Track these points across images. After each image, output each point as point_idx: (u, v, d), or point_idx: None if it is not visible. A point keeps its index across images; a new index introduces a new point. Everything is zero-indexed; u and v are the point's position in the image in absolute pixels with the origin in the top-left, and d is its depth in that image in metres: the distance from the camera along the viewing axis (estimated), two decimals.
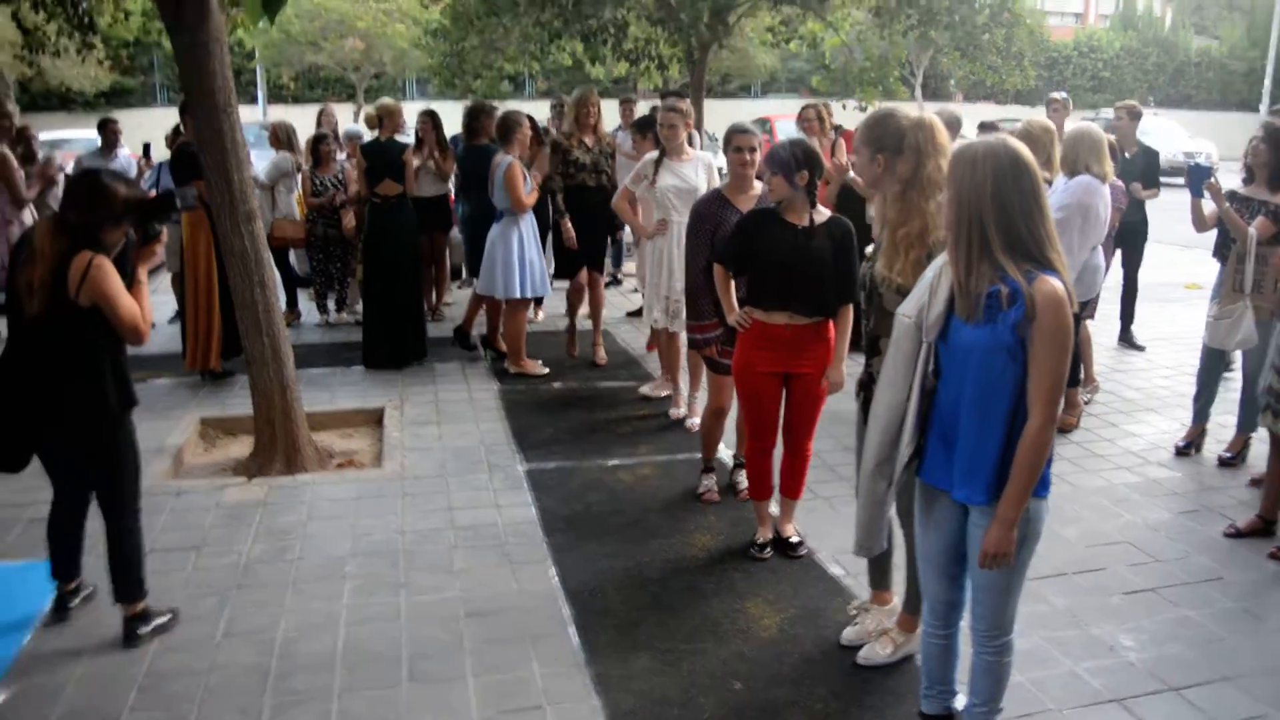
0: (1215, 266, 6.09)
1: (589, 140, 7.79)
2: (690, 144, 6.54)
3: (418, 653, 3.89)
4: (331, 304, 9.62)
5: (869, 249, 3.75)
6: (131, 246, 4.00)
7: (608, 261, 9.16)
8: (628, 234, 9.26)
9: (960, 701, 3.29)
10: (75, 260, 3.67)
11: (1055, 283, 2.66)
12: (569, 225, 7.70)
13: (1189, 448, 6.10)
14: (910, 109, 4.01)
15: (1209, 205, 5.95)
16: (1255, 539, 4.92)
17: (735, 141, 5.07)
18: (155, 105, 28.57)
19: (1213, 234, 6.24)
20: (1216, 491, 5.57)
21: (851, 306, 4.49)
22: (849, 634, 3.98)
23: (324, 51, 25.55)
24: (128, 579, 4.00)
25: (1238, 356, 6.05)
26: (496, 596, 4.33)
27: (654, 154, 6.40)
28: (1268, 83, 32.38)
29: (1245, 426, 5.92)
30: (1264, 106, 31.23)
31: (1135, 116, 8.08)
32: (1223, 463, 5.93)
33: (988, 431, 2.78)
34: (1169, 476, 5.78)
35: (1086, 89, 35.87)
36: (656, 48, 13.76)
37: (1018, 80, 14.33)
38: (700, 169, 6.37)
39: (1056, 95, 8.65)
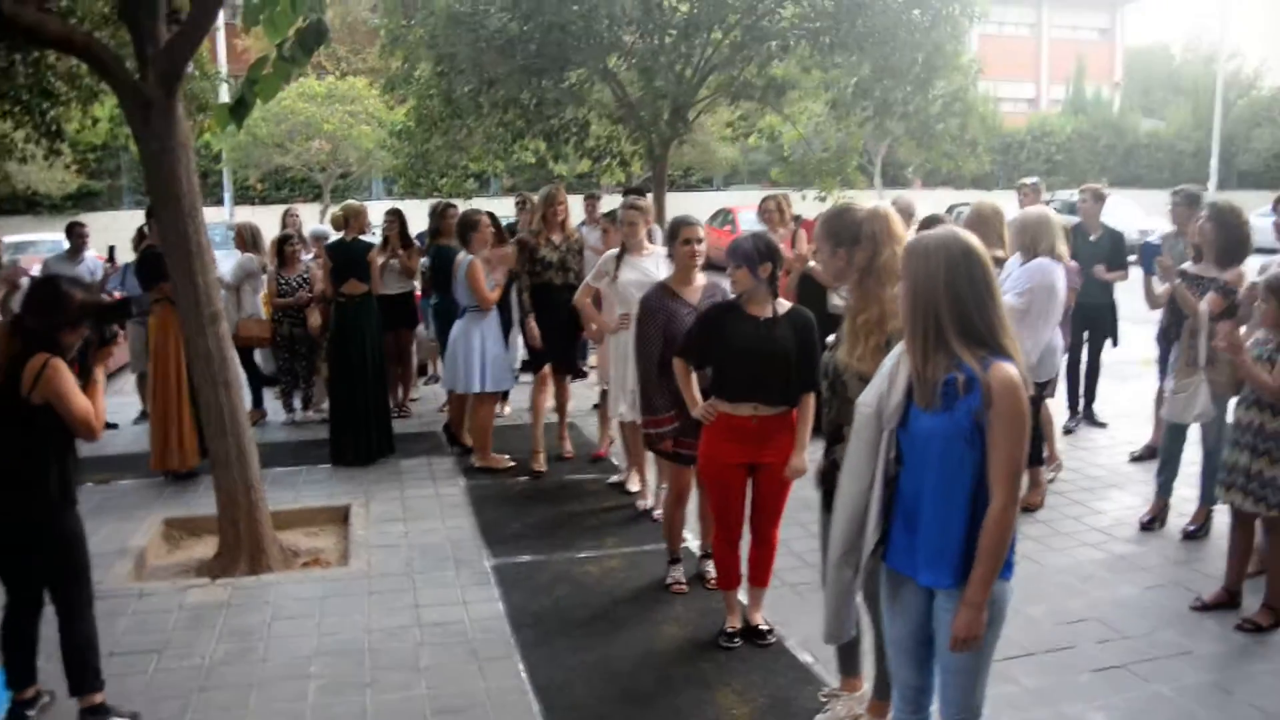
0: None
1: (556, 238, 7.60)
2: (650, 239, 6.65)
3: None
4: (298, 402, 9.60)
5: (830, 338, 3.81)
6: (90, 346, 4.10)
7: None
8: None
9: None
10: (31, 362, 3.80)
11: (1010, 368, 2.73)
12: (533, 324, 7.54)
13: (1153, 522, 6.15)
14: (869, 198, 4.12)
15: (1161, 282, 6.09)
16: (1221, 611, 4.95)
17: (683, 234, 5.19)
18: (122, 208, 28.63)
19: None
20: (1182, 565, 5.61)
21: (813, 395, 4.56)
22: None
23: (290, 153, 25.78)
24: (82, 670, 3.98)
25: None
26: (464, 694, 4.29)
27: (615, 250, 6.50)
28: (1214, 162, 33.30)
29: (1207, 499, 5.99)
30: (1211, 184, 32.11)
31: (1100, 199, 8.23)
32: (1187, 535, 5.98)
33: (951, 516, 2.82)
34: (1134, 551, 5.83)
35: (1041, 172, 36.65)
36: (618, 145, 14.04)
37: (973, 166, 14.70)
38: (660, 263, 6.44)
39: (1027, 180, 8.88)
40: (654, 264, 6.41)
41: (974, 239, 2.83)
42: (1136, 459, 7.57)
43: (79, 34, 5.75)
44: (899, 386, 2.89)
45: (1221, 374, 5.57)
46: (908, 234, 3.57)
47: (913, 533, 2.93)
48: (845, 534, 3.06)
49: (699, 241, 5.23)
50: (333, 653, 4.68)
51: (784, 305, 4.55)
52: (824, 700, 4.07)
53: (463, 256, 7.49)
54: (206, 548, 6.19)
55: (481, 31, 11.83)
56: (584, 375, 8.25)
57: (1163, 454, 6.30)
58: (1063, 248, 5.99)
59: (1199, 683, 4.33)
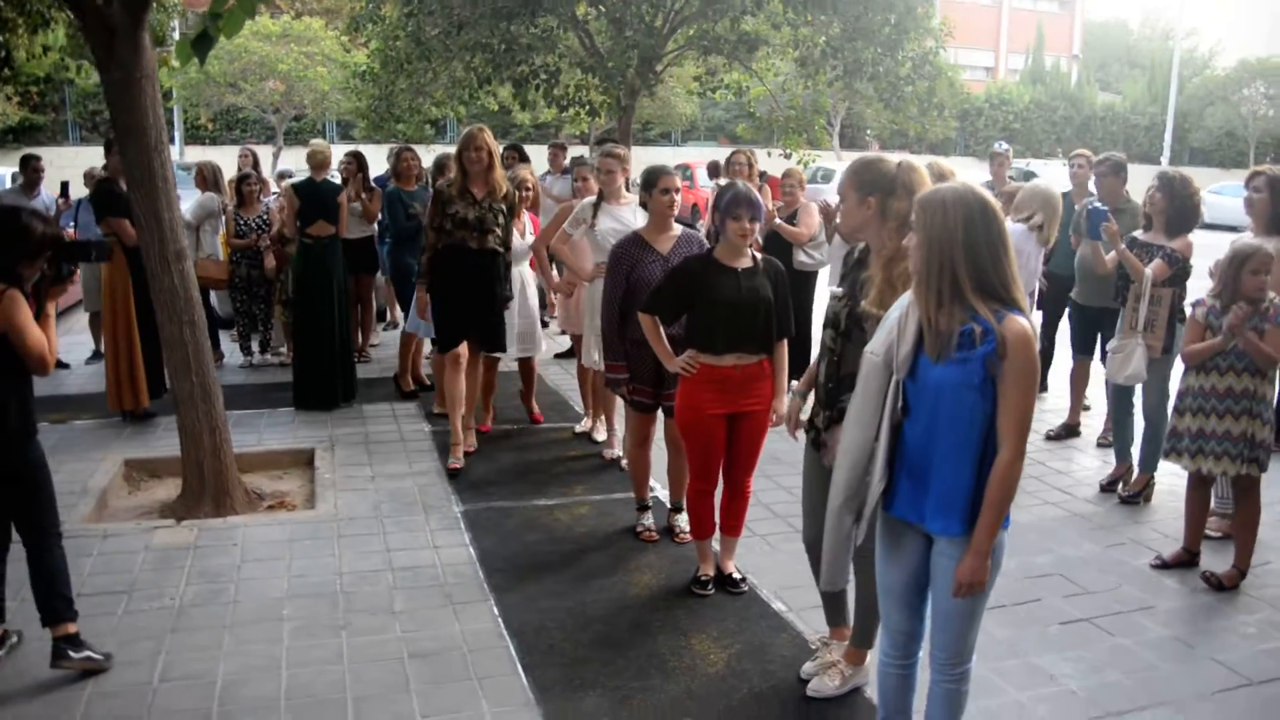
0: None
1: (477, 191, 6.30)
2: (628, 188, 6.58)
3: (363, 695, 3.81)
4: (255, 345, 9.47)
5: (836, 289, 3.78)
6: (44, 280, 4.06)
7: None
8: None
9: None
10: None
11: (1023, 321, 2.75)
12: (424, 293, 6.52)
13: (1115, 484, 6.24)
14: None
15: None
16: (1181, 570, 5.07)
17: (661, 183, 5.12)
18: (66, 143, 27.95)
19: None
20: (1141, 525, 5.72)
21: (786, 342, 4.63)
22: (809, 668, 3.99)
23: (243, 93, 25.30)
24: (53, 600, 3.93)
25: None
26: (440, 637, 4.27)
27: (593, 197, 6.43)
28: (1168, 136, 33.76)
29: (1147, 466, 6.08)
30: (1165, 159, 32.54)
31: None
32: (1123, 500, 6.07)
33: (961, 466, 2.84)
34: (1094, 511, 5.93)
35: (998, 139, 36.96)
36: (587, 94, 13.87)
37: (938, 130, 14.75)
38: (638, 212, 6.37)
39: (998, 148, 8.89)
40: (632, 213, 6.34)
41: (989, 193, 2.83)
42: (1052, 438, 7.34)
43: None
44: (909, 336, 2.89)
45: (1158, 339, 5.70)
46: None
47: (917, 481, 2.94)
48: (848, 481, 3.07)
49: (676, 191, 5.18)
50: (305, 595, 4.63)
51: (755, 255, 4.56)
52: (815, 647, 4.10)
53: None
54: (168, 489, 6.10)
55: None
56: (544, 324, 7.72)
57: (1113, 417, 6.41)
58: (1051, 233, 6.16)
59: (1161, 637, 4.43)
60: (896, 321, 2.94)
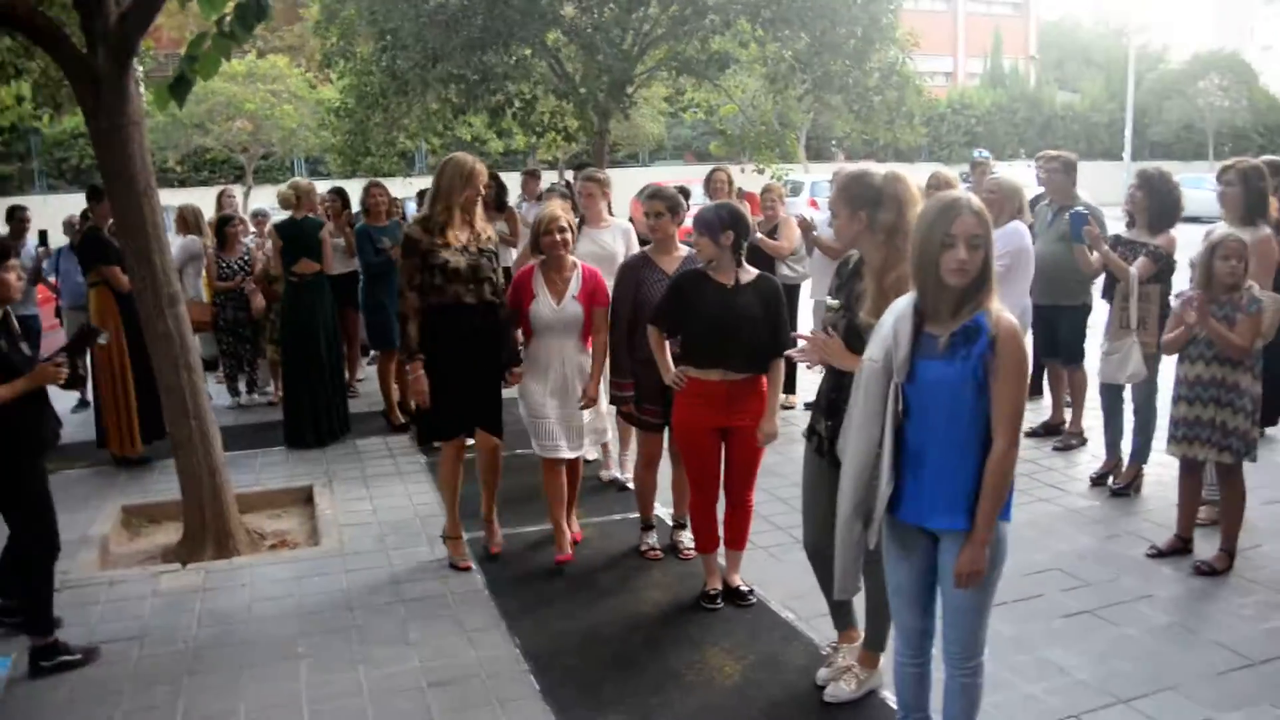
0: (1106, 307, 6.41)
1: (463, 236, 5.15)
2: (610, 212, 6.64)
3: None
4: (243, 385, 9.48)
5: (832, 300, 3.83)
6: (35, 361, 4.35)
7: None
8: None
9: None
10: None
11: (1011, 317, 2.89)
12: (421, 375, 5.14)
13: (1104, 478, 6.34)
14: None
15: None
16: (1176, 557, 5.18)
17: (644, 207, 5.33)
18: (34, 192, 27.79)
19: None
20: (1133, 517, 5.82)
21: (782, 360, 4.66)
22: (824, 674, 4.05)
23: (211, 134, 25.28)
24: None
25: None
26: (457, 665, 4.31)
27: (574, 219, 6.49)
28: (1128, 132, 34.17)
29: (1139, 457, 6.20)
30: (1126, 155, 32.96)
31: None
32: (1115, 493, 6.17)
33: (963, 462, 2.95)
34: (1087, 505, 6.03)
35: (962, 144, 37.34)
36: (562, 119, 13.98)
37: (909, 138, 14.94)
38: (618, 236, 6.47)
39: (979, 156, 9.06)
40: (611, 237, 6.43)
41: (977, 201, 2.94)
42: (1031, 434, 7.25)
43: (22, 4, 5.53)
44: (904, 341, 2.98)
45: (1152, 335, 5.78)
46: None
47: (920, 481, 3.03)
48: (855, 487, 3.15)
49: (656, 215, 5.29)
50: (318, 632, 4.66)
51: (750, 273, 4.64)
52: (826, 653, 4.16)
53: None
54: (168, 534, 6.11)
55: (423, 6, 11.72)
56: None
57: (1105, 413, 6.48)
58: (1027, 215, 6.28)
59: (1164, 624, 4.53)
60: (892, 326, 3.04)
